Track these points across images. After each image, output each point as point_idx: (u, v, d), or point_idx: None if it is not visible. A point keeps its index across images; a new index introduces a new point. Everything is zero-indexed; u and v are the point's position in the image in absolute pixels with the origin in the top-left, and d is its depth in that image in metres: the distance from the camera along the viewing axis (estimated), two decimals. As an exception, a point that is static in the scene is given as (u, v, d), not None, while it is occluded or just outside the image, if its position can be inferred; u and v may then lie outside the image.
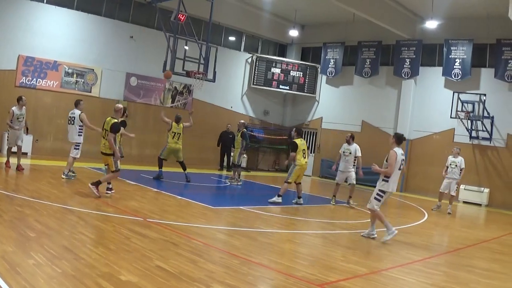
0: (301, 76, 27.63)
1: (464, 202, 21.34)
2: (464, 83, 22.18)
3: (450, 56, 22.60)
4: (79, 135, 14.46)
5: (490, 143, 21.53)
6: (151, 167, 18.21)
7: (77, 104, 14.60)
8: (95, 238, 7.86)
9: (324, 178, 26.06)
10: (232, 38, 26.94)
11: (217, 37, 25.06)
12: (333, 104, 27.36)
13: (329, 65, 27.10)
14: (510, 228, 14.73)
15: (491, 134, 21.46)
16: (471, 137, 21.98)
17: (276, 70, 27.30)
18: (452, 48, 22.56)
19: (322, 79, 27.93)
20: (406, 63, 24.05)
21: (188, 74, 17.51)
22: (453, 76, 22.49)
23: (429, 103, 23.64)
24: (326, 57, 27.28)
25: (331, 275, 7.23)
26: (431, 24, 20.90)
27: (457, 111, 21.19)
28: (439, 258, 9.69)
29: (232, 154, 20.40)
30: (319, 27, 27.70)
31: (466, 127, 21.86)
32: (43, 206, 9.71)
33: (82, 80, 20.92)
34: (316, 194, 19.02)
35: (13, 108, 14.66)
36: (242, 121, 19.82)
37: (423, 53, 23.88)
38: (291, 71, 27.50)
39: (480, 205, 21.02)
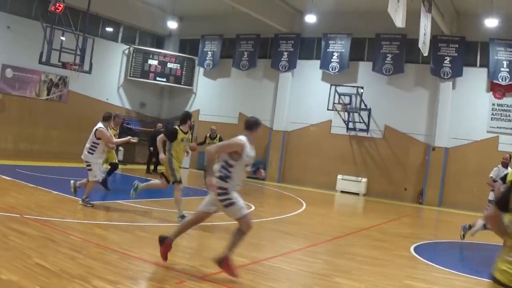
0: (179, 68, 27.40)
1: (342, 192, 22.16)
2: (341, 76, 22.98)
3: (328, 50, 23.35)
4: (89, 152, 11.75)
5: (368, 134, 22.48)
6: (27, 162, 17.34)
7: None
8: (-30, 237, 7.40)
9: (201, 170, 26.02)
10: (109, 29, 26.10)
11: (94, 28, 23.99)
12: (210, 97, 27.45)
13: (207, 58, 27.12)
14: (389, 216, 15.42)
15: (368, 126, 22.39)
16: (348, 128, 22.83)
17: (153, 62, 26.86)
18: (330, 42, 23.32)
19: (199, 72, 27.89)
20: (284, 56, 24.55)
21: (64, 65, 17.04)
22: (330, 69, 23.24)
23: (306, 96, 24.29)
24: (204, 50, 27.29)
25: (211, 267, 7.13)
26: (310, 19, 21.42)
27: (334, 103, 21.89)
28: (319, 246, 9.97)
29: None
30: (197, 19, 27.53)
31: (343, 119, 22.66)
32: None
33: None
34: (196, 186, 18.96)
35: None
36: (214, 127, 18.68)
37: (302, 47, 24.57)
38: (168, 63, 27.18)
39: (358, 194, 21.88)
